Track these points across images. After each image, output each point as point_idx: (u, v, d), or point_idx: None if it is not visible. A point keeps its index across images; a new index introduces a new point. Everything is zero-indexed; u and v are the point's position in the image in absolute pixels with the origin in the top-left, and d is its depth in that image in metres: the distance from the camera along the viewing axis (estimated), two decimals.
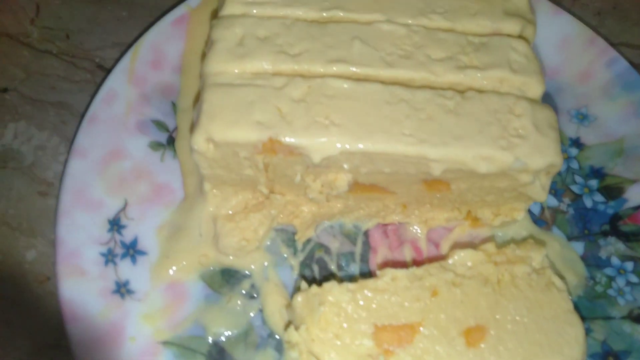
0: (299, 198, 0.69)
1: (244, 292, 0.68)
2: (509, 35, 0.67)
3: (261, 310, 0.67)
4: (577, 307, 0.64)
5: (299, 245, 0.71)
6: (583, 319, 0.64)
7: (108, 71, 0.80)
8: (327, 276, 0.69)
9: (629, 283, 0.69)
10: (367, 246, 0.71)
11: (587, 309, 0.68)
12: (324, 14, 0.66)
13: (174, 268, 0.67)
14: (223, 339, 0.65)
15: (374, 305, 0.61)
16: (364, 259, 0.71)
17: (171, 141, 0.74)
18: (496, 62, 0.64)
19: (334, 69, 0.62)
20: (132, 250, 0.68)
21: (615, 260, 0.70)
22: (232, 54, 0.62)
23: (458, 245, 0.70)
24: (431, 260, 0.70)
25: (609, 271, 0.70)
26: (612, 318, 0.67)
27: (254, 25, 0.64)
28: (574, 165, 0.75)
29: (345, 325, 0.60)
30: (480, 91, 0.62)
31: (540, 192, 0.64)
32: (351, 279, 0.69)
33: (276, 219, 0.70)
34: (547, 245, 0.69)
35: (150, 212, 0.70)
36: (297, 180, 0.64)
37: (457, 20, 0.67)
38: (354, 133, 0.59)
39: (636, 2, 0.90)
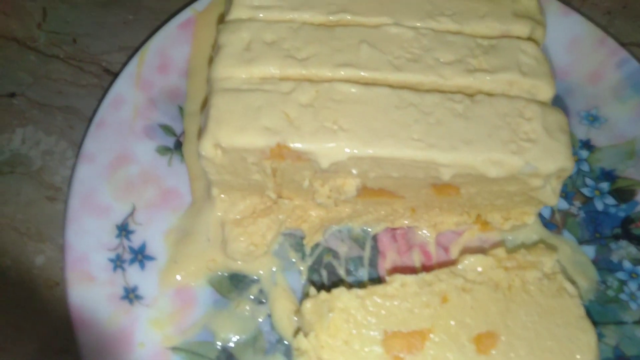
0: (307, 203, 0.69)
1: (252, 297, 0.68)
2: (518, 37, 0.66)
3: (270, 316, 0.67)
4: (588, 312, 0.64)
5: (307, 250, 0.70)
6: (595, 324, 0.63)
7: (115, 75, 0.80)
8: (336, 281, 0.69)
9: None
10: (375, 250, 0.71)
11: (599, 313, 0.67)
12: (331, 18, 0.65)
13: (182, 273, 0.67)
14: (232, 344, 0.65)
15: (383, 312, 0.60)
16: (373, 263, 0.70)
17: (178, 145, 0.74)
18: (506, 65, 0.63)
19: (342, 73, 0.62)
20: (141, 256, 0.68)
21: (627, 264, 0.69)
22: (239, 58, 0.62)
23: (468, 250, 0.70)
24: (440, 264, 0.69)
25: (620, 275, 0.69)
26: (624, 323, 0.66)
27: (261, 30, 0.64)
28: (585, 167, 0.74)
29: (354, 331, 0.59)
30: (489, 94, 0.62)
31: (551, 196, 0.63)
32: (360, 284, 0.69)
33: (284, 224, 0.70)
34: (558, 250, 0.69)
35: (158, 217, 0.70)
36: (305, 185, 0.64)
37: (466, 22, 0.66)
38: (362, 138, 0.58)
39: None
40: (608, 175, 0.74)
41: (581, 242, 0.71)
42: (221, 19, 0.74)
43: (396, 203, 0.68)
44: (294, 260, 0.70)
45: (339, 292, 0.61)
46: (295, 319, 0.65)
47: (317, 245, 0.71)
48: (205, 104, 0.65)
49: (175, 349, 0.64)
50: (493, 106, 0.61)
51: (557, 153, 0.59)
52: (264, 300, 0.67)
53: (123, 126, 0.73)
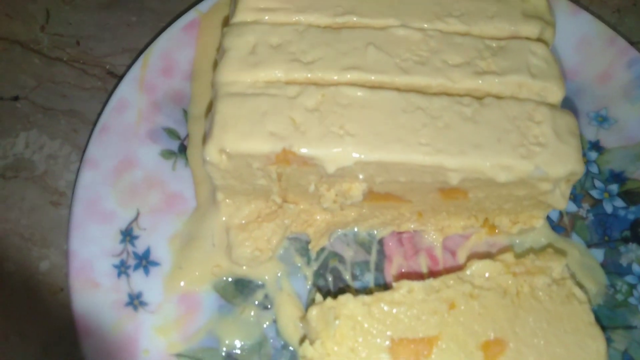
0: (313, 207, 0.68)
1: (257, 302, 0.67)
2: (527, 38, 0.65)
3: (275, 321, 0.66)
4: (597, 316, 0.63)
5: (313, 254, 0.70)
6: (603, 328, 0.62)
7: (119, 78, 0.80)
8: (342, 286, 0.68)
9: None
10: (382, 255, 0.70)
11: (608, 318, 0.66)
12: (337, 20, 0.64)
13: (187, 279, 0.67)
14: (237, 350, 0.65)
15: (390, 319, 0.60)
16: (379, 267, 0.69)
17: (183, 149, 0.73)
18: (515, 67, 0.62)
19: (348, 76, 0.61)
20: (145, 261, 0.67)
21: (636, 268, 0.68)
22: (245, 62, 0.61)
23: (475, 254, 0.69)
24: (447, 269, 0.69)
25: (630, 279, 0.68)
26: (634, 327, 0.66)
27: (266, 33, 0.63)
28: (594, 169, 0.74)
29: (361, 339, 0.59)
30: (498, 97, 0.61)
31: (560, 200, 0.63)
32: (366, 289, 0.68)
33: (289, 228, 0.69)
34: (567, 253, 0.68)
35: (163, 222, 0.69)
36: (311, 190, 0.63)
37: (474, 23, 0.65)
38: (369, 143, 0.57)
39: None
40: (617, 177, 0.73)
41: (590, 245, 0.70)
42: (226, 21, 0.73)
43: (403, 207, 0.68)
44: (299, 264, 0.69)
45: (345, 299, 0.60)
46: (301, 325, 0.65)
47: (322, 249, 0.70)
48: (210, 108, 0.65)
49: (180, 355, 0.64)
50: (502, 109, 0.60)
51: (567, 157, 0.58)
52: (269, 306, 0.67)
53: (127, 130, 0.72)
